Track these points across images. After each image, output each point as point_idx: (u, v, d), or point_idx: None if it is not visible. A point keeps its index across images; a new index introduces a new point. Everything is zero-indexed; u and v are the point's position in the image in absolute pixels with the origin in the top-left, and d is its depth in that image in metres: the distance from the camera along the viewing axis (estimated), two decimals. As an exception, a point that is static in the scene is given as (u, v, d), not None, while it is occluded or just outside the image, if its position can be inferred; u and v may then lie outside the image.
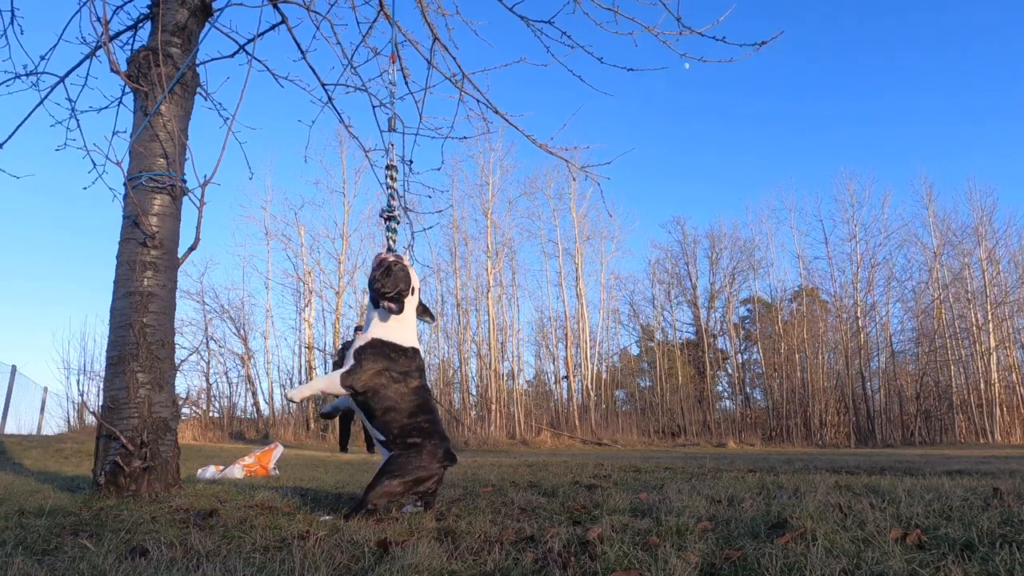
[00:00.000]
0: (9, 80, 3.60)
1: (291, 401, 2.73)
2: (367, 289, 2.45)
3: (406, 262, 2.42)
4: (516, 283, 23.18)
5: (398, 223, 2.62)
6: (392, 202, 2.64)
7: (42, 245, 31.35)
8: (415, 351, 2.38)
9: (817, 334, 22.13)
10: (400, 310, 2.34)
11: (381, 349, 2.33)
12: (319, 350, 21.69)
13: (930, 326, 21.11)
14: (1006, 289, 20.73)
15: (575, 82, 3.90)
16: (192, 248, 3.15)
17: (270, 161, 24.02)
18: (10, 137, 3.55)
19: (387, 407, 2.30)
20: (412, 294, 2.40)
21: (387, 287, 2.31)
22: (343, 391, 2.30)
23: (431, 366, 22.35)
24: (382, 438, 2.32)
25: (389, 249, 2.50)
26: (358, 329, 2.33)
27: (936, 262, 21.25)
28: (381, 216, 2.61)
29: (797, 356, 22.22)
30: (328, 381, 2.32)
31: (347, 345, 2.61)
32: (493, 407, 20.26)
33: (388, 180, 2.72)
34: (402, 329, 2.38)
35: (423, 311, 2.47)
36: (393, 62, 3.14)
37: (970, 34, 31.32)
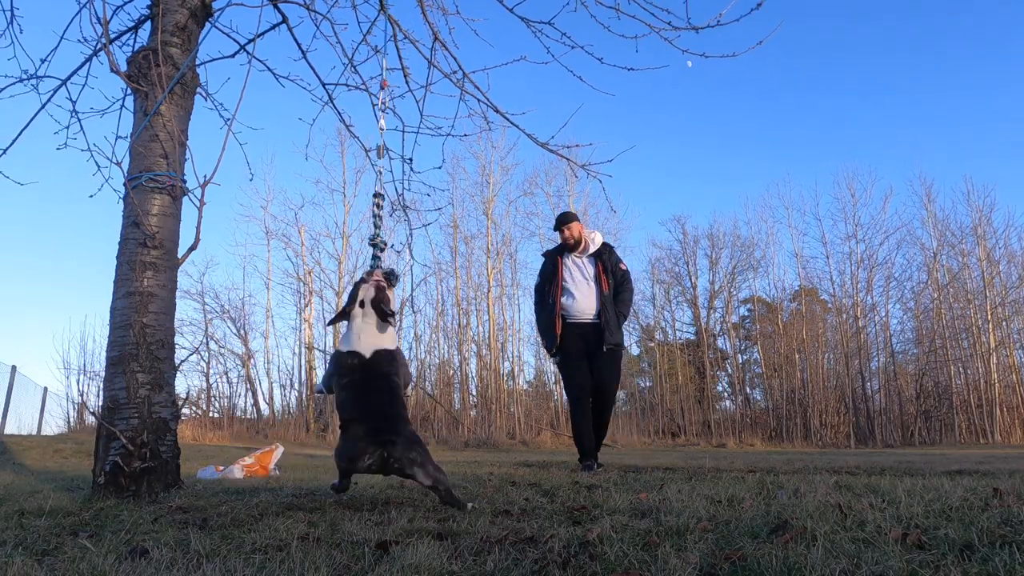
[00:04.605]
0: (10, 84, 3.59)
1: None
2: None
3: (373, 279, 2.67)
4: (516, 283, 23.19)
5: (382, 251, 2.78)
6: (377, 230, 2.82)
7: (42, 246, 31.36)
8: (348, 353, 2.60)
9: (817, 334, 22.13)
10: (328, 323, 2.72)
11: (333, 356, 2.71)
12: (319, 350, 21.70)
13: (930, 326, 21.12)
14: (1005, 289, 20.74)
15: (576, 81, 3.90)
16: (192, 248, 3.15)
17: (270, 161, 24.05)
18: (13, 143, 3.54)
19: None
20: (360, 306, 2.64)
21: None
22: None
23: (431, 366, 22.38)
24: None
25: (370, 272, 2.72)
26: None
27: (935, 262, 21.26)
28: (370, 243, 2.81)
29: (797, 356, 22.23)
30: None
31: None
32: (493, 407, 20.26)
33: (375, 208, 2.84)
34: (346, 337, 2.65)
35: (379, 314, 2.65)
36: (384, 88, 3.18)
37: (969, 36, 31.35)
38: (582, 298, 4.93)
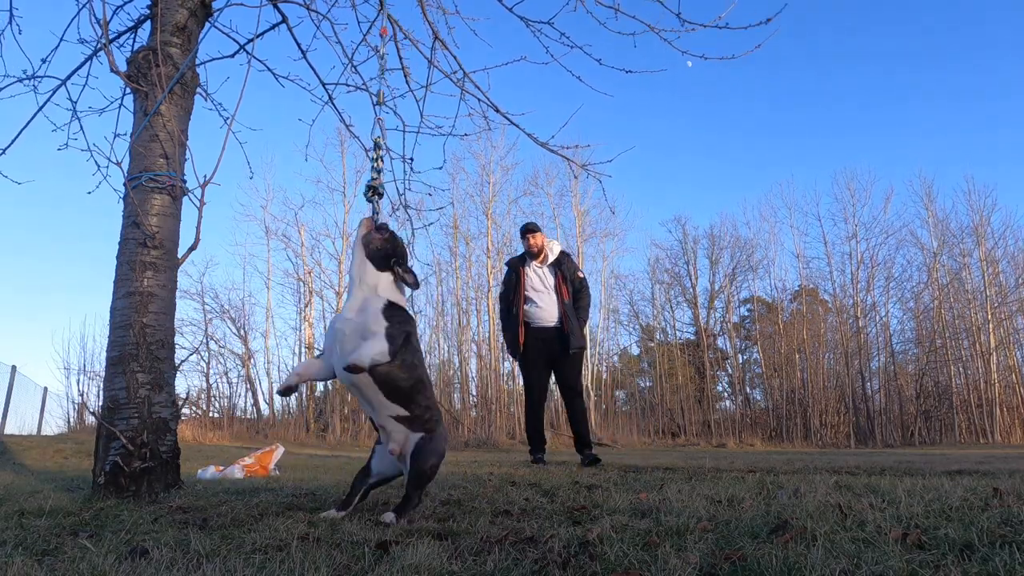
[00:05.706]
0: (9, 84, 3.58)
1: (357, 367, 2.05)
2: (367, 248, 2.25)
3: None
4: (516, 283, 23.12)
5: (380, 196, 2.44)
6: (375, 175, 2.49)
7: (43, 246, 31.35)
8: None
9: (817, 334, 22.12)
10: (417, 285, 2.26)
11: (406, 314, 2.17)
12: (319, 350, 21.65)
13: (930, 326, 21.10)
14: (1005, 289, 20.72)
15: (576, 82, 3.92)
16: (192, 248, 3.15)
17: (270, 160, 24.03)
18: (12, 142, 3.54)
19: (419, 378, 2.16)
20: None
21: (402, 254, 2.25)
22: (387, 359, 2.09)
23: (431, 366, 22.35)
24: (406, 414, 2.17)
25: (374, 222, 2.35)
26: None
27: (935, 262, 21.25)
28: (365, 195, 2.43)
29: (797, 356, 22.21)
30: (379, 350, 2.05)
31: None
32: (493, 407, 20.24)
33: (374, 156, 2.58)
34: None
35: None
36: (384, 36, 3.12)
37: (969, 38, 31.35)
38: (544, 306, 5.30)
